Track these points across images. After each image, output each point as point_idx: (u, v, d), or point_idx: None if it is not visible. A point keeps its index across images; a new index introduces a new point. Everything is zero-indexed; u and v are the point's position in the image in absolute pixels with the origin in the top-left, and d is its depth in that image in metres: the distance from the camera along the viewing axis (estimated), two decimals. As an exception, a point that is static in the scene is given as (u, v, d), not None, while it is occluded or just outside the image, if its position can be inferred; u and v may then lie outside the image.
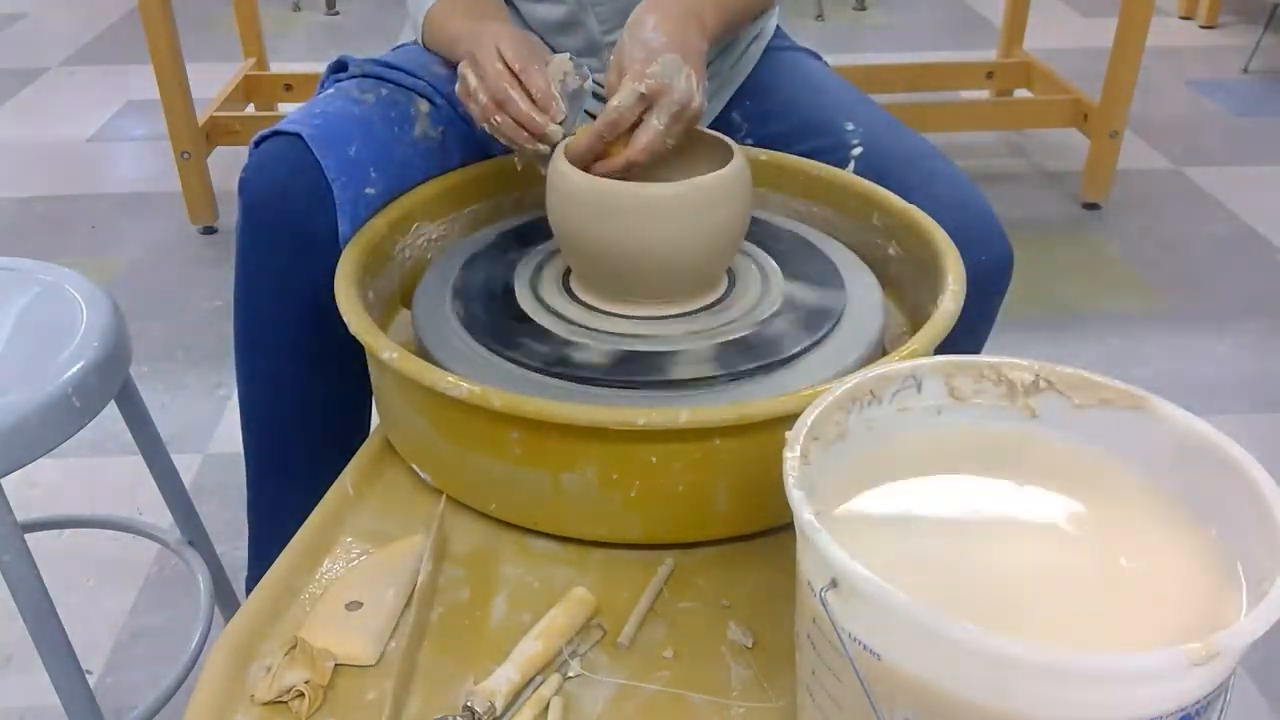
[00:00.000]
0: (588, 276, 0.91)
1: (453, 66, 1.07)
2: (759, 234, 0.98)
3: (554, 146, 0.89)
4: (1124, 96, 2.26)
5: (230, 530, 1.44)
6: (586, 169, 0.87)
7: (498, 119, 0.90)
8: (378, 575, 0.76)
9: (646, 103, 0.85)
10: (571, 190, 0.86)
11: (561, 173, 0.86)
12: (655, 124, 0.85)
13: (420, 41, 1.09)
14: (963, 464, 0.66)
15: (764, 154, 1.07)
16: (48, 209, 2.43)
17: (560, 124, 0.89)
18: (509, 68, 0.90)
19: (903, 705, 0.52)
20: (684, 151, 0.95)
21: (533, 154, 0.92)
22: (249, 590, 1.01)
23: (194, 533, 1.21)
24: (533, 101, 0.89)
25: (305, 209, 0.92)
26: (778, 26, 1.25)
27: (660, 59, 0.84)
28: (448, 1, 1.05)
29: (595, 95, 1.05)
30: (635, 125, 0.86)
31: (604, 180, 0.85)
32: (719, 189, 0.85)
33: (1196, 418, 0.62)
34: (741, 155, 0.88)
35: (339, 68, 1.10)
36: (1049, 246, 2.26)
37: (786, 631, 0.64)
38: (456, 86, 0.94)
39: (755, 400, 0.74)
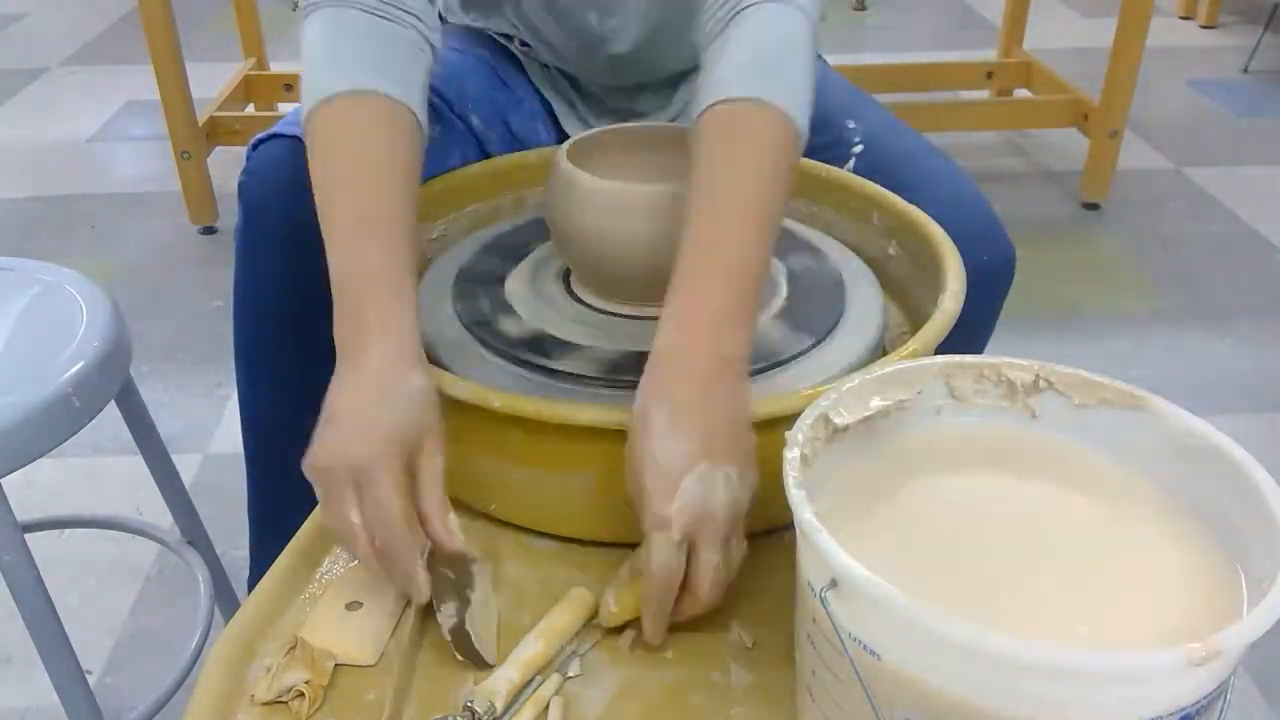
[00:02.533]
0: (589, 276, 0.91)
1: (453, 68, 1.06)
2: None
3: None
4: (1124, 96, 2.27)
5: (230, 530, 1.44)
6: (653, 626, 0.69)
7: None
8: (377, 575, 0.76)
9: (688, 541, 0.65)
10: (575, 191, 0.86)
11: (564, 173, 0.86)
12: (710, 559, 0.66)
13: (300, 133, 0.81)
14: (963, 464, 0.66)
15: (764, 154, 1.07)
16: (48, 209, 2.43)
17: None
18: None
19: (903, 705, 0.52)
20: (688, 152, 0.95)
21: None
22: (249, 590, 1.01)
23: (194, 533, 1.21)
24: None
25: (305, 211, 0.92)
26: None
27: (682, 488, 0.64)
28: (343, 122, 0.77)
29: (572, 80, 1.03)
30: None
31: (607, 181, 0.85)
32: None
33: (1196, 418, 0.62)
34: None
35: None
36: (1049, 246, 2.26)
37: (786, 631, 0.64)
38: (321, 477, 0.69)
39: (755, 400, 0.74)
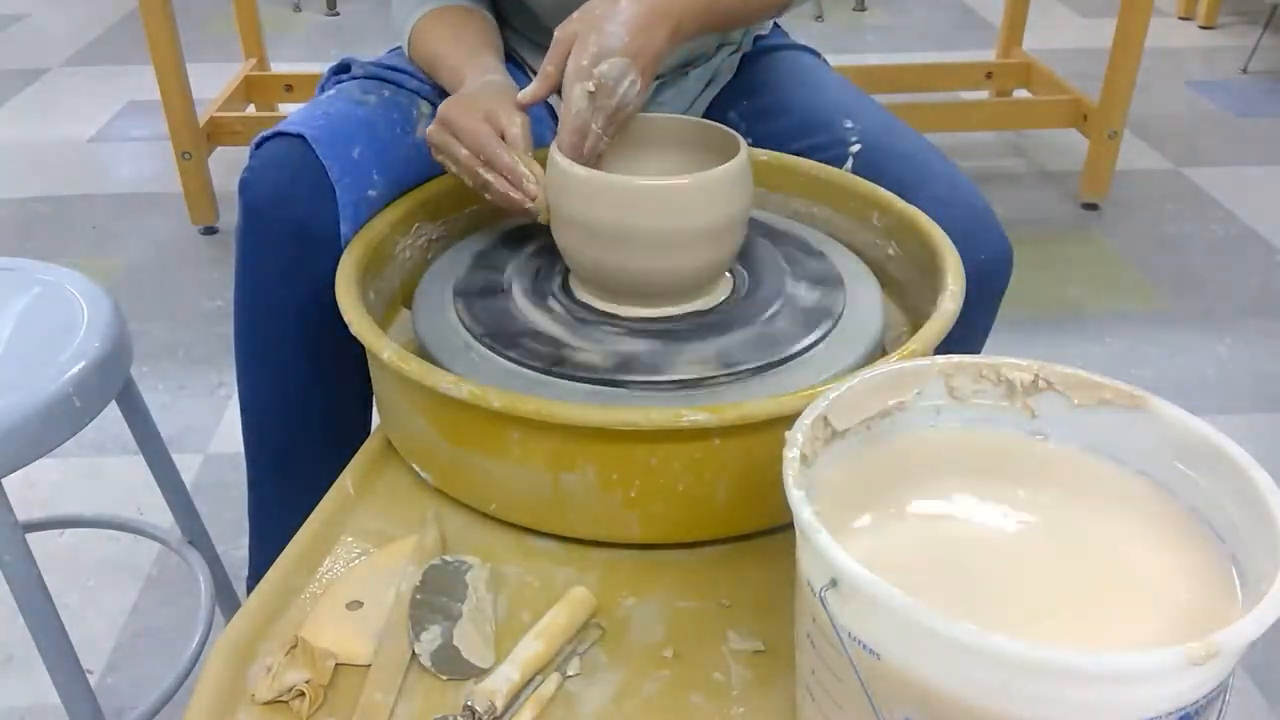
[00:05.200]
0: (588, 276, 0.91)
1: None
2: (757, 234, 0.98)
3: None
4: (1123, 97, 2.27)
5: (230, 530, 1.44)
6: None
7: (487, 196, 0.91)
8: (378, 575, 0.76)
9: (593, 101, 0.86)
10: (574, 184, 0.86)
11: (562, 168, 0.86)
12: (594, 127, 0.86)
13: (406, 55, 1.09)
14: (962, 464, 0.66)
15: (764, 154, 1.07)
16: (49, 209, 2.43)
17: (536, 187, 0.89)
18: (473, 155, 0.89)
19: (903, 705, 0.52)
20: (689, 145, 0.95)
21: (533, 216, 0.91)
22: (249, 590, 1.01)
23: (194, 532, 1.21)
24: (509, 183, 0.89)
25: (307, 210, 0.93)
26: (775, 25, 1.25)
27: (610, 61, 0.84)
28: (432, 18, 1.05)
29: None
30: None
31: (607, 174, 0.85)
32: (725, 182, 0.85)
33: (1196, 418, 0.62)
34: (745, 149, 0.88)
35: (341, 69, 1.10)
36: (1049, 246, 2.26)
37: (786, 631, 0.64)
38: (430, 134, 0.92)
39: (755, 400, 0.74)
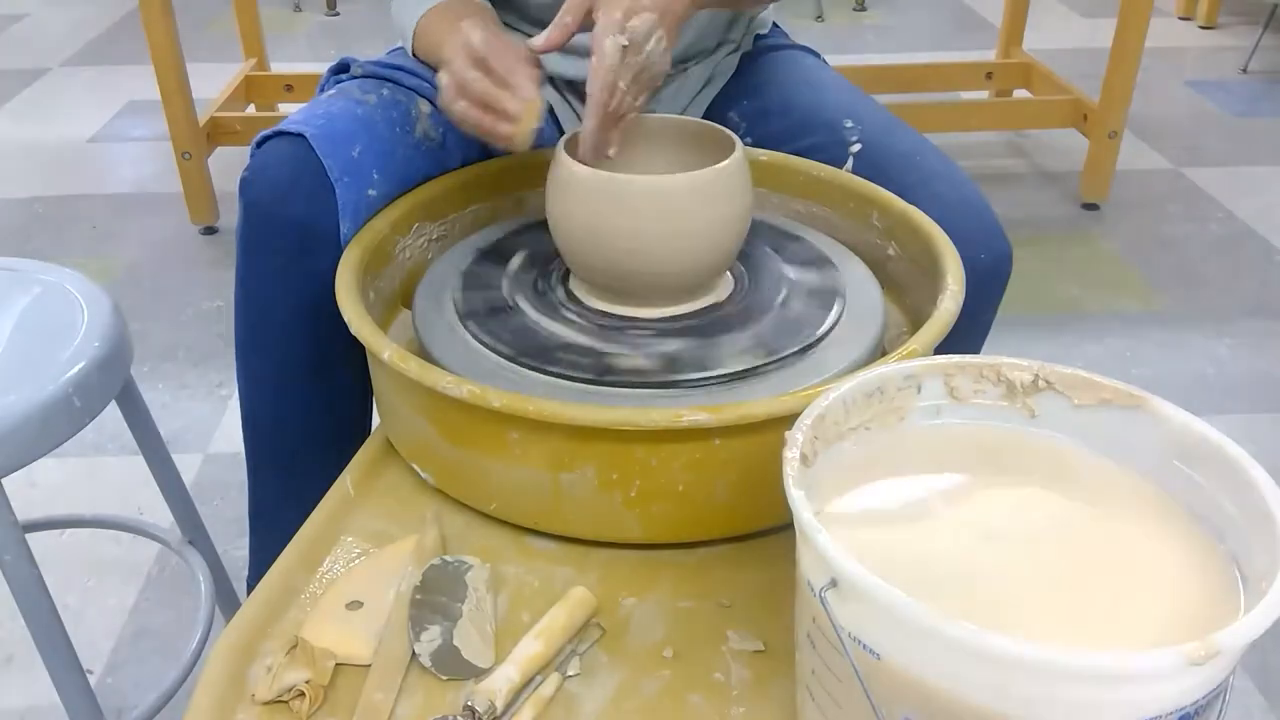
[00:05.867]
0: (588, 276, 0.91)
1: None
2: (757, 234, 0.98)
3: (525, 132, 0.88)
4: (1123, 97, 2.27)
5: (230, 530, 1.44)
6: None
7: (459, 105, 0.89)
8: (378, 575, 0.76)
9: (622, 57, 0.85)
10: (573, 182, 0.86)
11: (563, 165, 0.86)
12: (621, 85, 0.84)
13: (411, 53, 1.08)
14: (962, 464, 0.66)
15: (764, 154, 1.07)
16: (48, 209, 2.43)
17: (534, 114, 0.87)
18: (475, 54, 0.88)
19: (903, 705, 0.52)
20: (687, 144, 0.95)
21: (513, 139, 0.89)
22: (249, 590, 1.01)
23: (194, 532, 1.21)
24: (501, 80, 0.87)
25: (307, 209, 0.93)
26: (775, 24, 1.25)
27: (640, 15, 0.83)
28: (436, 12, 1.04)
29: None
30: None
31: (607, 173, 0.85)
32: (720, 181, 0.85)
33: (1196, 418, 0.62)
34: (741, 148, 0.88)
35: (341, 69, 1.10)
36: (1049, 246, 2.26)
37: (786, 631, 0.64)
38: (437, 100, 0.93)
39: (755, 400, 0.74)
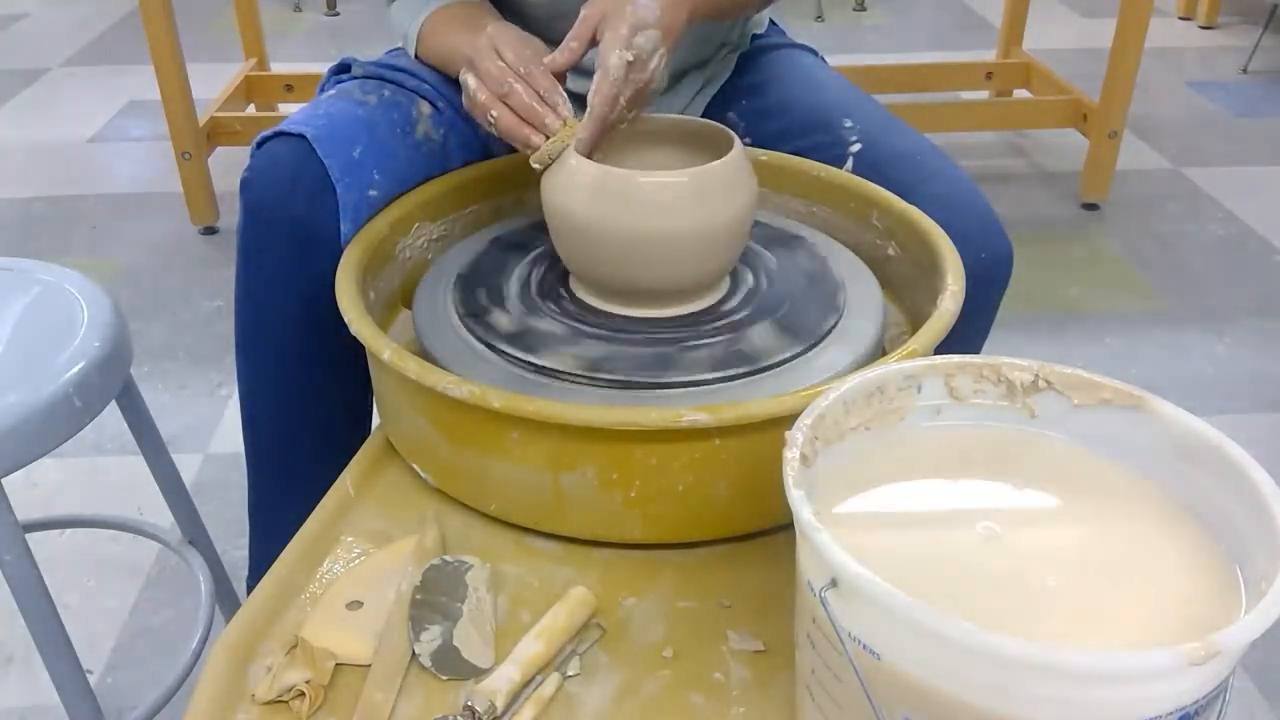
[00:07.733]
0: (588, 275, 0.91)
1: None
2: (758, 235, 0.98)
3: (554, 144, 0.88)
4: (1123, 97, 2.27)
5: (230, 530, 1.44)
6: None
7: (494, 114, 0.89)
8: (378, 575, 0.76)
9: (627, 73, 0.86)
10: (577, 179, 0.85)
11: (565, 162, 0.86)
12: (621, 100, 0.86)
13: (413, 55, 1.08)
14: (962, 464, 0.66)
15: (764, 154, 1.07)
16: (48, 209, 2.43)
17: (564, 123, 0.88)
18: (510, 66, 0.89)
19: (903, 705, 0.52)
20: (687, 144, 0.95)
21: (540, 152, 0.90)
22: (249, 590, 1.01)
23: (194, 532, 1.21)
24: (539, 97, 0.88)
25: (307, 209, 0.93)
26: (773, 23, 1.25)
27: (645, 33, 0.85)
28: (442, 15, 1.04)
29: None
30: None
31: (613, 169, 0.85)
32: (722, 176, 0.85)
33: (1196, 418, 0.62)
34: (740, 145, 0.88)
35: (341, 69, 1.10)
36: (1049, 246, 2.26)
37: (786, 631, 0.64)
38: (463, 99, 0.94)
39: (755, 400, 0.74)
